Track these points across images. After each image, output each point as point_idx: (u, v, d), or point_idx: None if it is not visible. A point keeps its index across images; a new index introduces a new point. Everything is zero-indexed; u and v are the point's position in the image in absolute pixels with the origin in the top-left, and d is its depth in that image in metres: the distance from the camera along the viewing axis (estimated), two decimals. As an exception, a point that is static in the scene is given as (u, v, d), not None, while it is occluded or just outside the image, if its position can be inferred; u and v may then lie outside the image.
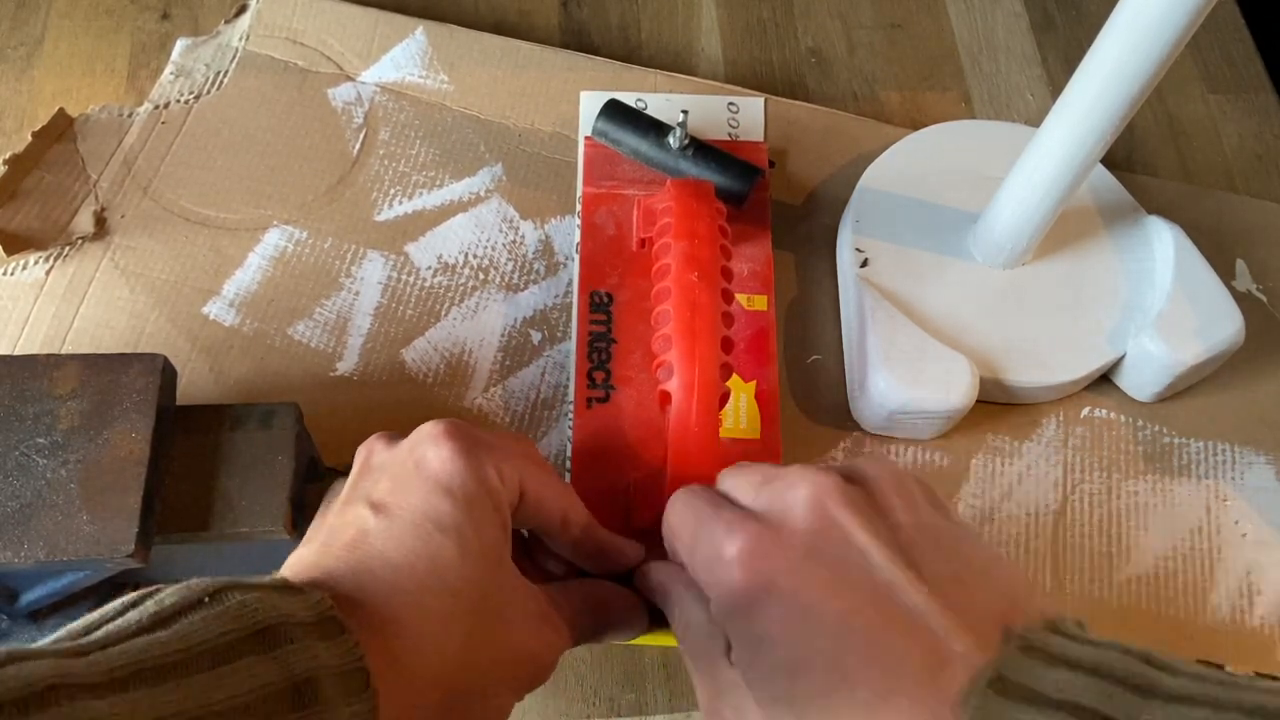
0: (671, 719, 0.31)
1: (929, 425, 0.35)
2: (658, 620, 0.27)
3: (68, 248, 0.37)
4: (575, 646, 0.27)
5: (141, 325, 0.36)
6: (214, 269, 0.37)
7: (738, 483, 0.25)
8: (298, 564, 0.24)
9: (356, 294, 0.37)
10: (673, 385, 0.29)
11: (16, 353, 0.35)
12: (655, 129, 0.36)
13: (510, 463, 0.25)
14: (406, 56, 0.42)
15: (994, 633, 0.20)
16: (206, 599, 0.20)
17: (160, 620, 0.19)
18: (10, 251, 0.36)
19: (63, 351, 0.36)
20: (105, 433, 0.27)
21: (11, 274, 0.37)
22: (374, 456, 0.26)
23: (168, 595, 0.20)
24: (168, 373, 0.28)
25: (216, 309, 0.37)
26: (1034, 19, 0.45)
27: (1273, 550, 0.34)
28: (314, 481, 0.30)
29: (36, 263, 0.37)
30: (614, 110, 0.36)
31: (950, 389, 0.33)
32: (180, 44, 0.41)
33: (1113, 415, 0.36)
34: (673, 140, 0.36)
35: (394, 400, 0.36)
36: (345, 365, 0.36)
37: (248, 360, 0.36)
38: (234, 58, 0.41)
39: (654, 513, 0.29)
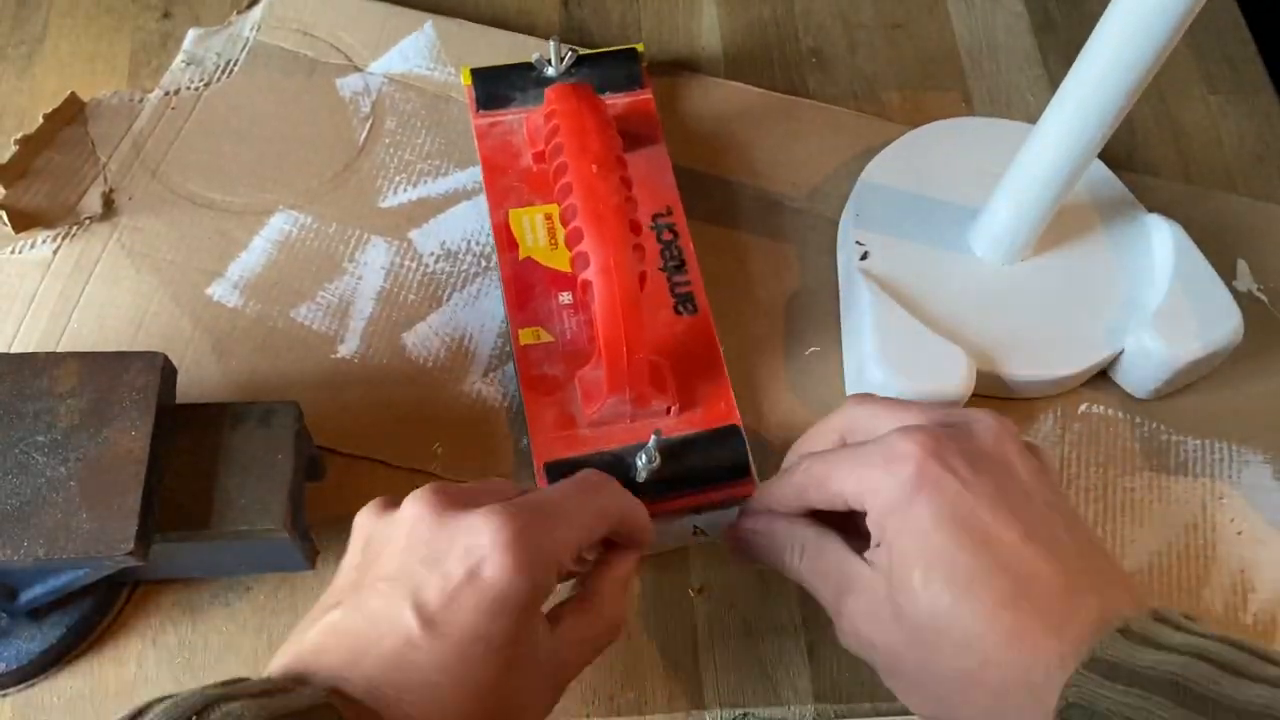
0: (671, 718, 0.30)
1: (925, 417, 0.34)
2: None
3: (75, 227, 0.36)
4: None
5: (146, 305, 0.35)
6: (219, 251, 0.37)
7: (910, 407, 0.26)
8: (333, 657, 0.22)
9: (359, 278, 0.36)
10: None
11: (22, 330, 0.35)
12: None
13: (570, 540, 0.24)
14: (415, 49, 0.41)
15: (1097, 622, 0.21)
16: (193, 717, 0.19)
17: None
18: (19, 229, 0.36)
19: (68, 329, 0.35)
20: (105, 431, 0.26)
21: (19, 252, 0.36)
22: (423, 523, 0.23)
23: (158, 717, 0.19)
24: (167, 371, 0.28)
25: (221, 291, 0.36)
26: (1035, 19, 0.44)
27: (1268, 548, 0.33)
28: (314, 480, 0.29)
29: (44, 241, 0.36)
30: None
31: (946, 381, 0.32)
32: (192, 33, 0.40)
33: (1110, 411, 0.35)
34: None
35: (394, 383, 0.35)
36: (346, 348, 0.35)
37: (250, 341, 0.35)
38: (245, 47, 0.40)
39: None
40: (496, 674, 0.22)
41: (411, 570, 0.23)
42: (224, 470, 0.27)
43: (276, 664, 0.23)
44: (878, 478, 0.24)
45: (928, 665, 0.23)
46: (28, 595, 0.28)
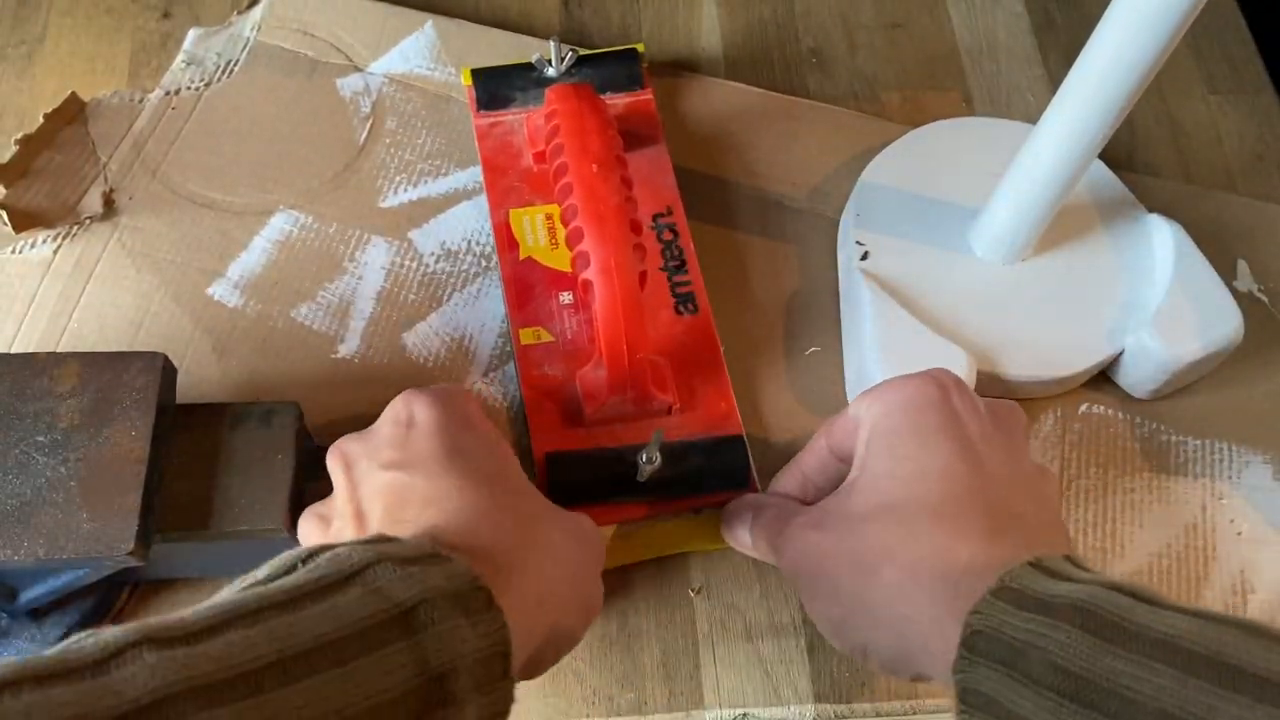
0: (671, 718, 0.29)
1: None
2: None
3: (76, 227, 0.36)
4: None
5: (147, 305, 0.35)
6: (219, 251, 0.36)
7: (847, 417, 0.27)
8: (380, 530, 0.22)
9: (359, 278, 0.36)
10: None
11: (23, 329, 0.35)
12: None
13: (462, 394, 0.26)
14: (415, 49, 0.41)
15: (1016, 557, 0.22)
16: (354, 573, 0.19)
17: (305, 594, 0.18)
18: (19, 229, 0.35)
19: (68, 329, 0.35)
20: (105, 431, 0.26)
21: (20, 252, 0.36)
22: (349, 445, 0.25)
23: (272, 567, 0.19)
24: (168, 371, 0.27)
25: (221, 290, 0.36)
26: (1035, 19, 0.44)
27: (1268, 548, 0.33)
28: (314, 480, 0.29)
29: (45, 241, 0.36)
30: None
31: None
32: (192, 33, 0.40)
33: (1110, 412, 0.35)
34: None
35: (394, 383, 0.34)
36: (346, 348, 0.35)
37: (250, 341, 0.35)
38: (245, 47, 0.40)
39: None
40: (494, 471, 0.24)
41: (361, 466, 0.24)
42: (224, 470, 0.27)
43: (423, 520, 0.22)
44: (894, 385, 0.26)
45: (852, 552, 0.24)
46: (28, 595, 0.27)
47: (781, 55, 0.42)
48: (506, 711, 0.20)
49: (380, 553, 0.19)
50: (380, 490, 0.23)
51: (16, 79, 0.39)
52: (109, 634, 0.16)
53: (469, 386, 0.35)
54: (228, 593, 0.18)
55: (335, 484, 0.25)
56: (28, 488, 0.25)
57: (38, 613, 0.28)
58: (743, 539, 0.29)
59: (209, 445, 0.27)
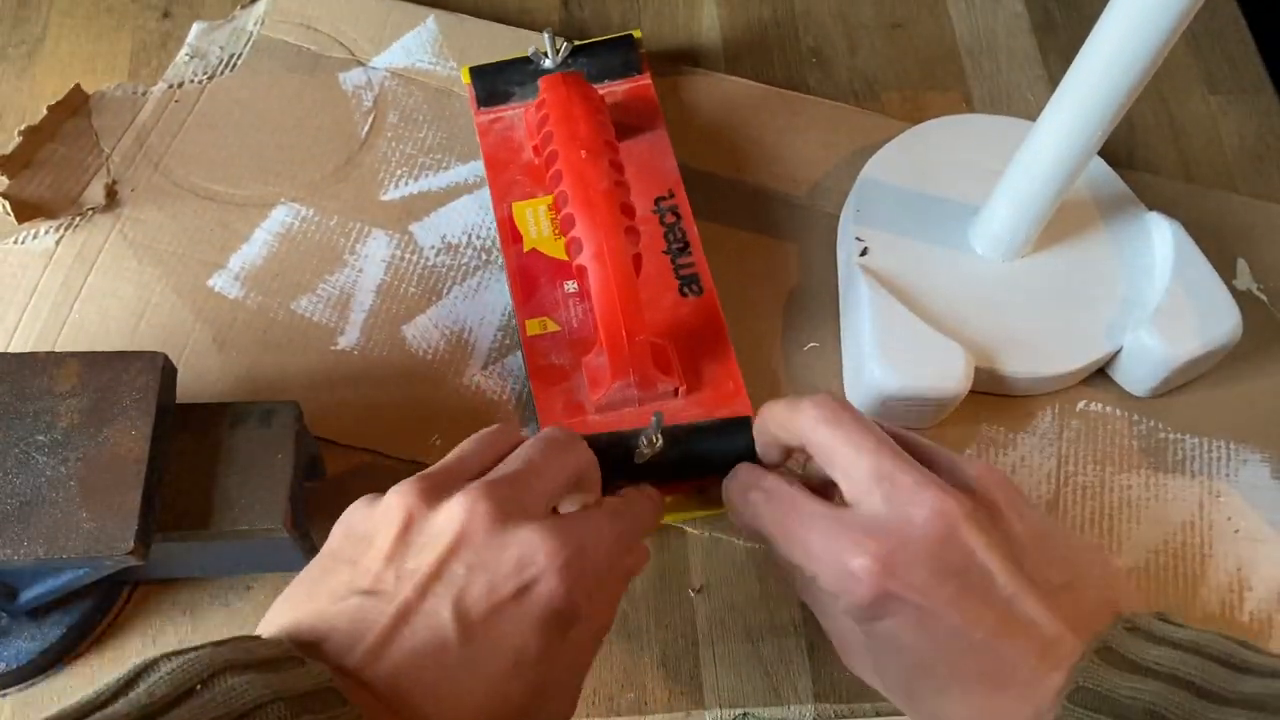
0: (671, 718, 0.29)
1: (923, 413, 0.33)
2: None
3: (78, 218, 0.36)
4: None
5: (148, 296, 0.35)
6: (221, 243, 0.36)
7: (851, 456, 0.23)
8: (351, 639, 0.21)
9: (360, 271, 0.36)
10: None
11: (24, 320, 0.34)
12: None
13: (608, 565, 0.24)
14: (418, 44, 0.40)
15: (1103, 624, 0.21)
16: (199, 686, 0.18)
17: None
18: (22, 219, 0.35)
19: (70, 319, 0.34)
20: (105, 430, 0.26)
21: (22, 242, 0.35)
22: (476, 535, 0.22)
23: (172, 683, 0.18)
24: (168, 371, 0.27)
25: (222, 282, 0.35)
26: (1035, 19, 0.43)
27: (1265, 546, 0.32)
28: (313, 479, 0.29)
29: (47, 232, 0.36)
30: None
31: (944, 375, 0.31)
32: (196, 27, 0.40)
33: (1108, 409, 0.35)
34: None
35: (394, 376, 0.34)
36: (346, 340, 0.34)
37: (251, 333, 0.34)
38: (248, 41, 0.40)
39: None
40: (525, 687, 0.22)
41: (457, 573, 0.22)
42: (224, 470, 0.27)
43: (283, 619, 0.22)
44: (837, 591, 0.23)
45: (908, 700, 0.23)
46: (28, 595, 0.27)
47: (781, 54, 0.42)
48: None
49: (278, 690, 0.19)
50: (429, 630, 0.21)
51: (17, 79, 0.39)
52: None
53: (468, 380, 0.34)
54: (122, 705, 0.18)
55: (432, 534, 0.22)
56: (28, 487, 0.25)
57: (38, 612, 0.28)
58: (745, 519, 0.27)
59: (209, 445, 0.27)
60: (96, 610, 0.29)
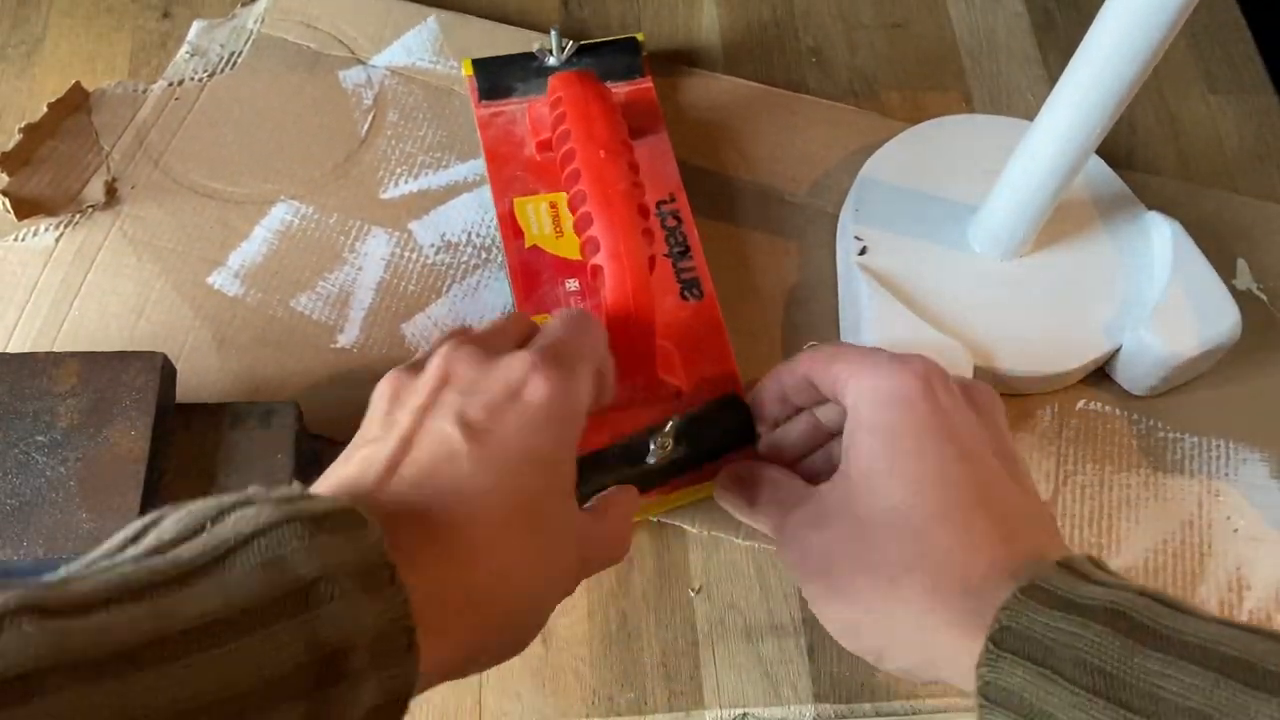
0: (671, 718, 0.29)
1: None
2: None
3: (78, 215, 0.35)
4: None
5: (147, 293, 0.34)
6: (220, 241, 0.35)
7: (856, 358, 0.26)
8: (367, 478, 0.20)
9: (359, 269, 0.35)
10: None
11: (24, 317, 0.34)
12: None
13: (591, 368, 0.24)
14: (418, 43, 0.40)
15: (1040, 554, 0.22)
16: (208, 524, 0.17)
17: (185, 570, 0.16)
18: (22, 217, 0.35)
19: (69, 316, 0.34)
20: (105, 431, 0.25)
21: (22, 240, 0.35)
22: (459, 367, 0.22)
23: (181, 525, 0.17)
24: (167, 371, 0.27)
25: (221, 279, 0.35)
26: (1035, 18, 0.43)
27: (1264, 546, 0.32)
28: (313, 480, 0.28)
29: (47, 230, 0.35)
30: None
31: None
32: (196, 25, 0.39)
33: (1108, 409, 0.34)
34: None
35: (392, 374, 0.33)
36: (346, 338, 0.34)
37: (250, 330, 0.34)
38: (249, 39, 0.39)
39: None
40: (537, 491, 0.22)
41: (450, 399, 0.22)
42: (223, 470, 0.26)
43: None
44: (880, 373, 0.24)
45: (864, 558, 0.23)
46: None
47: (781, 54, 0.41)
48: (409, 685, 0.18)
49: (290, 513, 0.17)
50: (436, 442, 0.21)
51: (16, 78, 0.38)
52: None
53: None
54: (130, 551, 0.17)
55: (421, 381, 0.22)
56: (27, 487, 0.24)
57: None
58: (741, 510, 0.28)
59: (208, 445, 0.27)
60: None
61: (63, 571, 0.16)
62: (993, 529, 0.22)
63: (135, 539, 0.18)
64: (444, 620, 0.19)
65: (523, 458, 0.21)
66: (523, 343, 0.25)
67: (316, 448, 0.30)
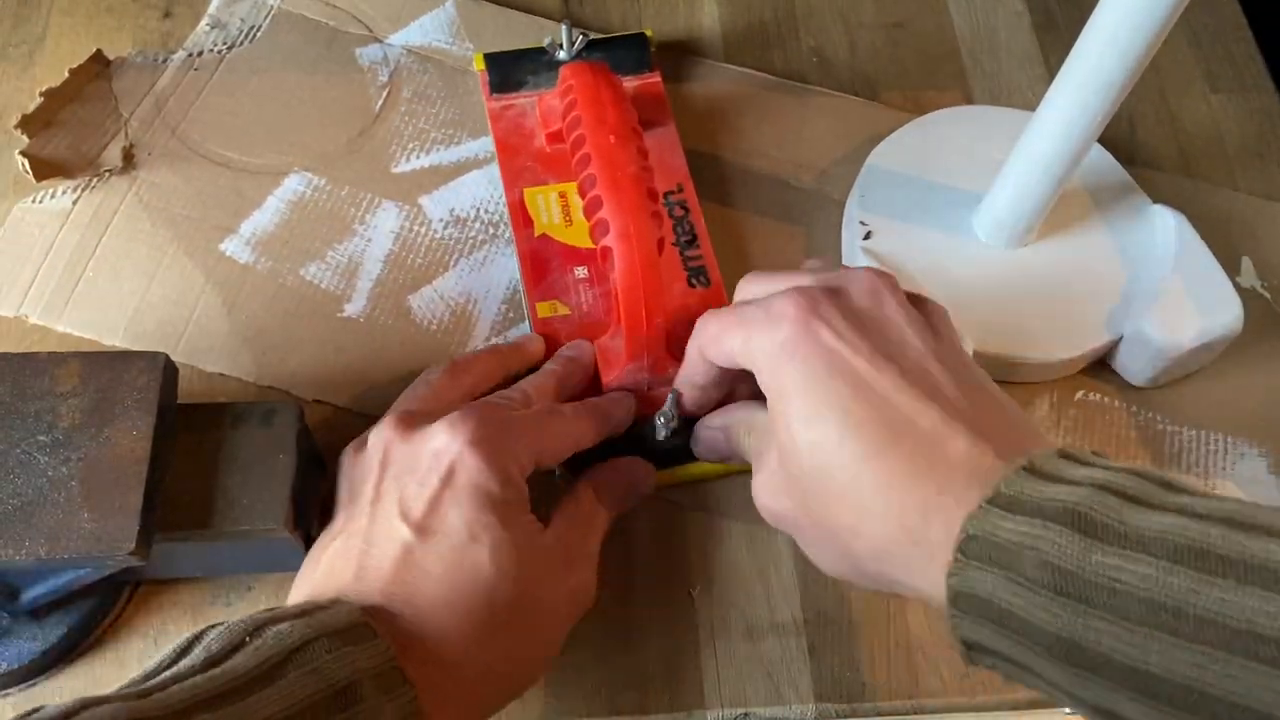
0: (672, 718, 0.28)
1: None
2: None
3: (95, 180, 0.35)
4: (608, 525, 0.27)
5: (160, 257, 0.34)
6: (233, 209, 0.35)
7: (794, 274, 0.25)
8: (341, 579, 0.23)
9: (369, 241, 0.35)
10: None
11: (39, 278, 0.33)
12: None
13: (525, 443, 0.25)
14: (435, 24, 0.40)
15: (1010, 450, 0.20)
16: (247, 639, 0.21)
17: (212, 662, 0.20)
18: (40, 178, 0.34)
19: (83, 278, 0.33)
20: (107, 430, 0.25)
21: (40, 202, 0.35)
22: (394, 449, 0.25)
23: (224, 640, 0.21)
24: (169, 370, 0.26)
25: (233, 246, 0.34)
26: (1036, 18, 0.42)
27: (1264, 540, 0.31)
28: (315, 480, 0.28)
29: (64, 192, 0.35)
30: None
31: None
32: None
33: (1107, 400, 0.33)
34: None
35: (398, 343, 0.33)
36: (353, 308, 0.33)
37: (259, 297, 0.33)
38: (268, 14, 0.39)
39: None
40: (490, 567, 0.23)
41: (391, 488, 0.24)
42: (225, 470, 0.26)
43: (295, 598, 0.24)
44: (759, 337, 0.23)
45: (821, 522, 0.22)
46: (29, 595, 0.26)
47: (782, 54, 0.41)
48: None
49: (317, 629, 0.21)
50: (391, 542, 0.23)
51: (17, 78, 0.37)
52: (103, 712, 0.18)
53: (471, 350, 0.33)
54: (187, 662, 0.20)
55: (369, 466, 0.25)
56: (29, 487, 0.24)
57: (39, 612, 0.27)
58: (744, 450, 0.27)
59: (210, 445, 0.26)
60: (98, 610, 0.28)
61: (130, 682, 0.20)
62: (913, 466, 0.20)
63: (185, 651, 0.21)
64: (444, 705, 0.22)
65: (470, 542, 0.23)
66: (496, 377, 0.28)
67: (318, 449, 0.29)
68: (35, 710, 0.18)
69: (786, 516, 0.24)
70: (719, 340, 0.25)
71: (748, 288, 0.25)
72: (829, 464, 0.21)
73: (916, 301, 0.24)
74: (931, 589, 0.20)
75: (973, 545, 0.19)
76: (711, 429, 0.28)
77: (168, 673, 0.20)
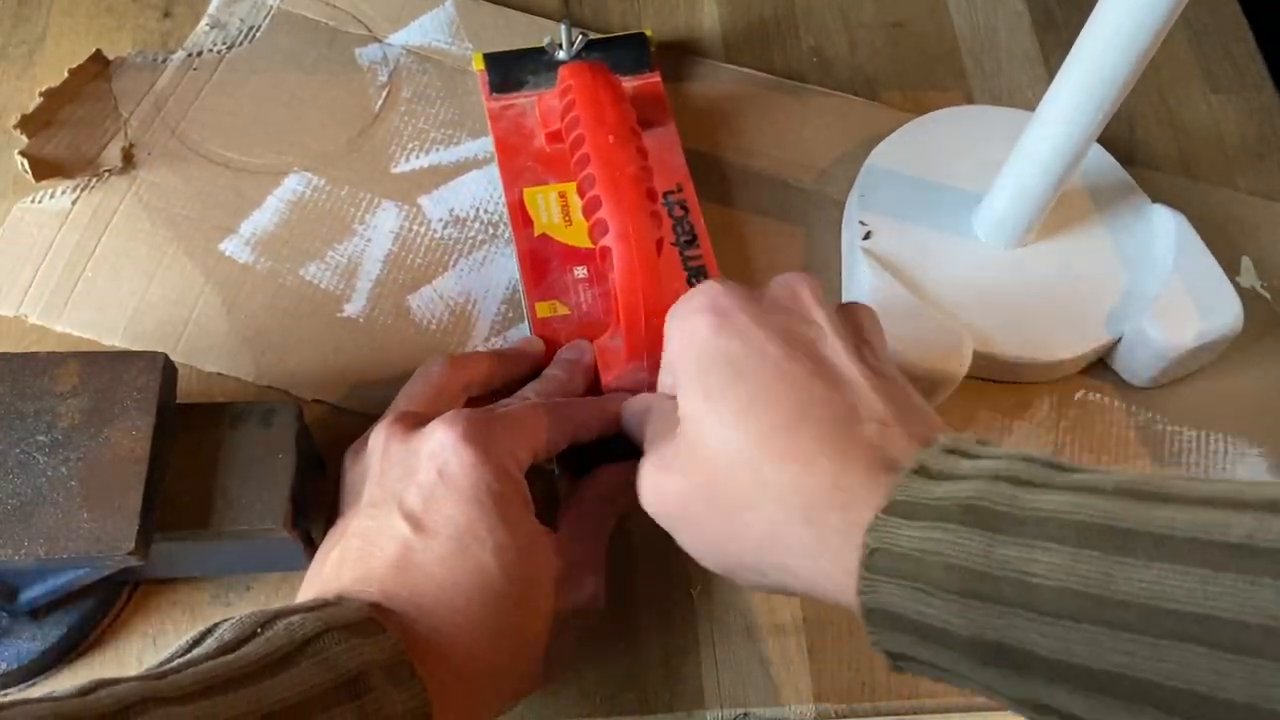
0: (672, 717, 0.27)
1: (921, 393, 0.30)
2: None
3: (95, 179, 0.34)
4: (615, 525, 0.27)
5: (160, 257, 0.33)
6: (233, 209, 0.34)
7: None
8: (346, 579, 0.23)
9: (368, 241, 0.33)
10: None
11: (38, 278, 0.32)
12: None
13: (520, 436, 0.24)
14: (435, 24, 0.38)
15: (919, 436, 0.20)
16: (258, 630, 0.20)
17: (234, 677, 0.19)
18: (40, 178, 0.33)
19: (82, 278, 0.32)
20: (106, 430, 0.24)
21: (39, 202, 0.33)
22: (392, 447, 0.24)
23: (236, 631, 0.20)
24: (168, 370, 0.25)
25: (233, 246, 0.33)
26: (1036, 17, 0.41)
27: (1264, 541, 0.29)
28: (314, 479, 0.27)
29: (64, 192, 0.33)
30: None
31: (944, 358, 0.29)
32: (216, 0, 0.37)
33: (1107, 400, 0.32)
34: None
35: (397, 343, 0.32)
36: (353, 308, 0.32)
37: (259, 297, 0.32)
38: (268, 14, 0.38)
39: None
40: (493, 564, 0.22)
41: (390, 487, 0.24)
42: (225, 470, 0.25)
43: (303, 599, 0.23)
44: (675, 332, 0.23)
45: (714, 501, 0.21)
46: (28, 595, 0.25)
47: (782, 53, 0.39)
48: None
49: (327, 622, 0.20)
50: (392, 541, 0.23)
51: (17, 78, 0.36)
52: (121, 689, 0.18)
53: (470, 350, 0.32)
54: (200, 651, 0.20)
55: (368, 467, 0.25)
56: (28, 487, 0.23)
57: (38, 612, 0.26)
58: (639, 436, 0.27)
59: (209, 445, 0.25)
60: (97, 610, 0.27)
61: (148, 668, 0.20)
62: (816, 446, 0.19)
63: (198, 641, 0.21)
64: (450, 701, 0.22)
65: (467, 536, 0.22)
66: (497, 380, 0.28)
67: (318, 449, 0.28)
68: (98, 684, 0.18)
69: (672, 499, 0.22)
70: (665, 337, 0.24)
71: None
72: (731, 440, 0.20)
73: (845, 307, 0.24)
74: (829, 585, 0.19)
75: (877, 559, 0.18)
76: (626, 415, 0.27)
77: (181, 659, 0.20)
